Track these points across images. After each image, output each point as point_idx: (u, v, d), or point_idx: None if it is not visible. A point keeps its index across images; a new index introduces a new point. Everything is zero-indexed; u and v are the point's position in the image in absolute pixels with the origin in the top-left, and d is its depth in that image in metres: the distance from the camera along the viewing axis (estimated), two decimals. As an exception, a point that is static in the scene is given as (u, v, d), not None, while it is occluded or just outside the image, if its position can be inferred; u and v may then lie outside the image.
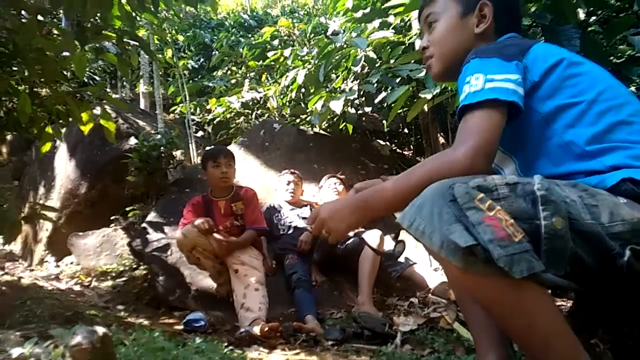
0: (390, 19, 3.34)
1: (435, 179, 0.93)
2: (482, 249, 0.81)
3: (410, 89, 3.07)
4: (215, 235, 2.70)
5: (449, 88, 3.01)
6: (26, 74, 2.27)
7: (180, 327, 2.44)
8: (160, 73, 5.90)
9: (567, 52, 1.12)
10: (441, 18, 1.28)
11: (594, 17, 2.55)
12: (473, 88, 1.05)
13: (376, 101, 3.96)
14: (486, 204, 0.84)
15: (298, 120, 4.35)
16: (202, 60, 7.61)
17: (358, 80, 3.86)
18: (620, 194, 0.93)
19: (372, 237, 2.71)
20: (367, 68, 3.74)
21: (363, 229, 3.11)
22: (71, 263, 3.74)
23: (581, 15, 2.37)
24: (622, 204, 0.91)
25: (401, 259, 2.89)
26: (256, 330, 2.27)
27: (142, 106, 6.18)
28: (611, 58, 2.54)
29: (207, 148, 3.91)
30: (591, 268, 0.88)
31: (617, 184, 0.95)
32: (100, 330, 0.87)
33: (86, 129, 2.52)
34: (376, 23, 3.40)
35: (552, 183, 0.90)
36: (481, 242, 0.81)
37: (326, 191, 3.35)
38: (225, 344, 2.02)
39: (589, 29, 2.45)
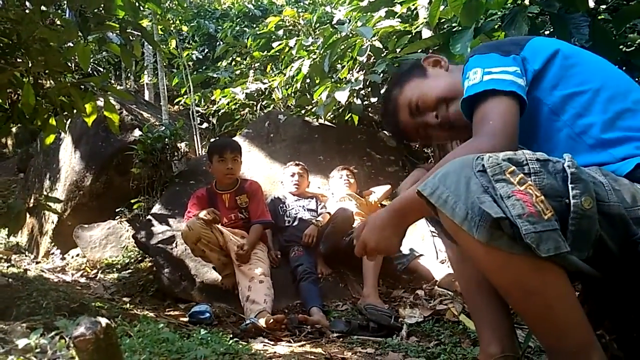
0: (397, 7, 3.31)
1: None
2: (510, 224, 0.78)
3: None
4: (233, 240, 2.72)
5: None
6: (30, 65, 2.25)
7: (186, 319, 2.45)
8: (165, 64, 5.86)
9: (562, 43, 1.14)
10: None
11: (603, 6, 2.51)
12: (472, 82, 1.07)
13: (382, 92, 3.91)
14: (517, 177, 0.82)
15: (303, 111, 4.31)
16: (206, 50, 7.55)
17: (364, 71, 3.82)
18: (636, 180, 0.92)
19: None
20: (373, 58, 3.70)
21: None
22: (77, 255, 3.75)
23: (590, 3, 2.33)
24: None
25: (407, 251, 2.87)
26: (261, 322, 2.27)
27: (146, 97, 6.17)
28: (620, 47, 2.50)
29: (213, 140, 3.89)
30: (612, 253, 0.86)
31: (633, 171, 0.94)
32: (104, 321, 0.86)
33: (90, 120, 2.51)
34: (382, 12, 3.36)
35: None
36: (509, 216, 0.78)
37: (337, 182, 3.33)
38: (231, 335, 2.02)
39: (599, 17, 2.41)
